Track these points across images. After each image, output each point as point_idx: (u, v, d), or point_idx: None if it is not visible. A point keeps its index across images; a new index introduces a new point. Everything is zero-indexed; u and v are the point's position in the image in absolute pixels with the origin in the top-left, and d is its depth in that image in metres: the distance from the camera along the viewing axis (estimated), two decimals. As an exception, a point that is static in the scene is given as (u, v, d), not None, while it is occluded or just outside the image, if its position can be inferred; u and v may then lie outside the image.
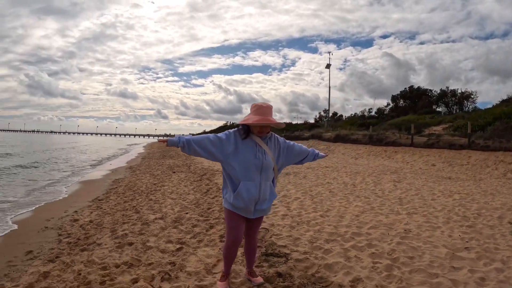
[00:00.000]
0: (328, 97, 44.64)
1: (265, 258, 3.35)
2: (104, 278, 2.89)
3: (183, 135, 2.42)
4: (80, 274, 3.00)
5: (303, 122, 57.74)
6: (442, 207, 5.75)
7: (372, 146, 20.05)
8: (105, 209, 5.90)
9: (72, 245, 3.93)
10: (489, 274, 3.01)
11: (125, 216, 5.34)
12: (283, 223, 4.66)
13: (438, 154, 15.18)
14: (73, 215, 5.53)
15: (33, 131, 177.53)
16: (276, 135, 2.67)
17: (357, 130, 26.61)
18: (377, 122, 32.76)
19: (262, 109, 2.43)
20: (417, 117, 27.44)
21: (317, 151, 2.92)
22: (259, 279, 2.80)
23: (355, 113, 50.81)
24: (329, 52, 45.96)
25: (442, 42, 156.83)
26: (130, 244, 3.89)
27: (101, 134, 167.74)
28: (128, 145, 46.23)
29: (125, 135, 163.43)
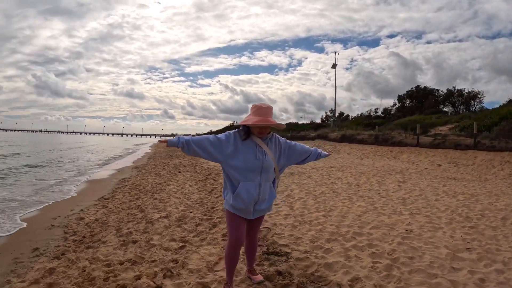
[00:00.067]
0: (334, 97, 44.58)
1: (266, 257, 3.40)
2: (108, 275, 2.97)
3: (183, 135, 2.46)
4: (84, 270, 3.09)
5: (309, 122, 57.64)
6: (446, 208, 5.75)
7: (378, 146, 19.96)
8: (110, 208, 5.99)
9: (77, 243, 4.02)
10: (489, 275, 3.01)
11: (130, 214, 5.43)
12: (285, 223, 4.70)
13: (444, 155, 15.09)
14: (79, 214, 5.63)
15: (41, 131, 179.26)
16: (277, 135, 2.66)
17: (363, 130, 26.53)
18: (383, 122, 32.65)
19: (262, 110, 2.42)
20: (424, 117, 27.28)
21: (319, 150, 2.89)
22: (259, 277, 2.85)
23: (362, 113, 50.62)
24: (335, 52, 45.91)
25: (449, 41, 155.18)
26: (134, 242, 3.97)
27: (108, 134, 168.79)
28: (134, 145, 46.53)
29: (131, 135, 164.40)
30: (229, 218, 2.54)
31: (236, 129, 2.55)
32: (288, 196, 6.69)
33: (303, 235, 4.14)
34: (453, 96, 37.12)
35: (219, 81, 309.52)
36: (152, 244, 3.87)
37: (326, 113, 59.54)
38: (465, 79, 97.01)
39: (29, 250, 3.92)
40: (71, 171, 13.17)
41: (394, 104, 44.10)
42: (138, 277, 2.92)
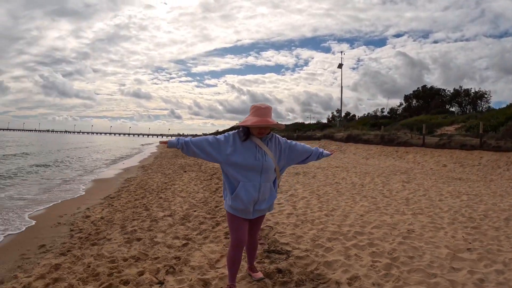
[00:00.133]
0: (340, 97, 44.48)
1: (267, 255, 3.45)
2: (112, 271, 3.05)
3: (183, 135, 2.50)
4: (89, 266, 3.18)
5: (315, 122, 57.51)
6: (449, 208, 5.74)
7: (384, 146, 19.88)
8: (116, 207, 6.10)
9: (83, 240, 4.12)
10: (488, 275, 3.00)
11: (135, 213, 5.52)
12: (288, 222, 4.74)
13: (450, 155, 15.00)
14: (85, 212, 5.75)
15: (48, 130, 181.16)
16: (277, 135, 2.66)
17: (369, 130, 26.46)
18: (389, 122, 32.54)
19: (261, 110, 2.42)
20: (430, 117, 27.14)
21: (321, 150, 2.87)
22: (259, 274, 2.90)
23: (368, 113, 50.44)
24: (341, 52, 45.77)
25: (456, 40, 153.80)
26: (139, 239, 4.06)
27: (115, 133, 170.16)
28: (141, 144, 46.82)
29: (138, 134, 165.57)
30: (230, 219, 2.55)
31: (236, 130, 2.56)
32: (291, 195, 6.73)
33: (305, 234, 4.18)
34: (459, 96, 36.90)
35: (225, 81, 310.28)
36: (156, 241, 3.95)
37: (332, 113, 59.46)
38: (472, 78, 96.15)
39: (36, 246, 4.03)
40: (79, 170, 13.37)
41: (401, 104, 44.00)
42: (141, 273, 3.00)
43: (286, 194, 6.83)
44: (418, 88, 42.61)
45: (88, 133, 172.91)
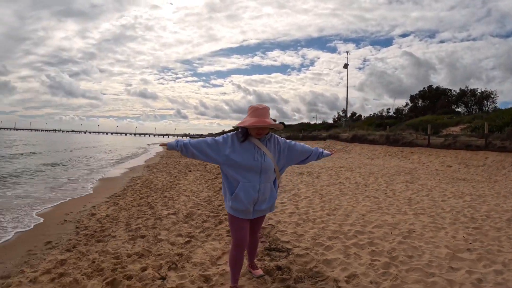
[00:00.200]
0: (346, 97, 44.35)
1: (268, 253, 3.52)
2: (116, 266, 3.15)
3: (182, 135, 2.56)
4: (94, 262, 3.27)
5: (321, 122, 57.40)
6: (451, 208, 5.75)
7: (389, 147, 19.82)
8: (121, 205, 6.20)
9: (88, 237, 4.23)
10: (487, 276, 3.01)
11: (139, 211, 5.61)
12: (290, 220, 4.80)
13: (455, 155, 14.93)
14: (91, 210, 5.86)
15: (55, 130, 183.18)
16: (276, 135, 2.67)
17: (375, 130, 26.38)
18: (395, 122, 32.38)
19: (258, 111, 2.42)
20: (436, 117, 26.95)
21: (321, 150, 2.88)
22: (259, 271, 2.96)
23: (374, 113, 50.18)
24: (347, 52, 45.52)
25: (462, 40, 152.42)
26: (143, 237, 4.15)
27: (121, 133, 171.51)
28: (147, 144, 47.08)
29: (144, 134, 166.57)
30: (231, 219, 2.56)
31: (235, 131, 2.58)
32: (294, 195, 6.78)
33: (306, 232, 4.24)
34: (466, 96, 36.61)
35: (231, 81, 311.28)
36: (160, 239, 4.03)
37: (338, 113, 59.14)
38: (478, 78, 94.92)
39: (42, 243, 4.14)
40: (86, 169, 13.55)
41: (407, 104, 43.70)
42: (144, 269, 3.08)
43: (289, 193, 6.89)
44: (424, 88, 42.32)
45: (94, 132, 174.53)
